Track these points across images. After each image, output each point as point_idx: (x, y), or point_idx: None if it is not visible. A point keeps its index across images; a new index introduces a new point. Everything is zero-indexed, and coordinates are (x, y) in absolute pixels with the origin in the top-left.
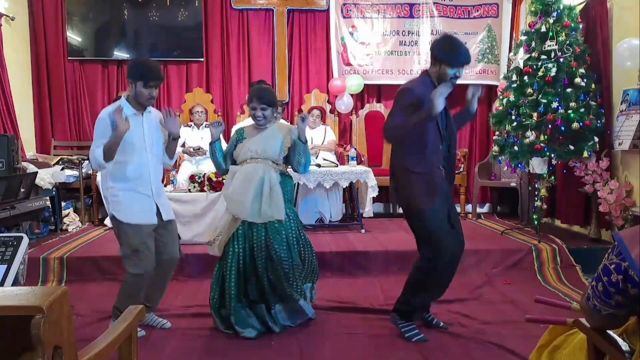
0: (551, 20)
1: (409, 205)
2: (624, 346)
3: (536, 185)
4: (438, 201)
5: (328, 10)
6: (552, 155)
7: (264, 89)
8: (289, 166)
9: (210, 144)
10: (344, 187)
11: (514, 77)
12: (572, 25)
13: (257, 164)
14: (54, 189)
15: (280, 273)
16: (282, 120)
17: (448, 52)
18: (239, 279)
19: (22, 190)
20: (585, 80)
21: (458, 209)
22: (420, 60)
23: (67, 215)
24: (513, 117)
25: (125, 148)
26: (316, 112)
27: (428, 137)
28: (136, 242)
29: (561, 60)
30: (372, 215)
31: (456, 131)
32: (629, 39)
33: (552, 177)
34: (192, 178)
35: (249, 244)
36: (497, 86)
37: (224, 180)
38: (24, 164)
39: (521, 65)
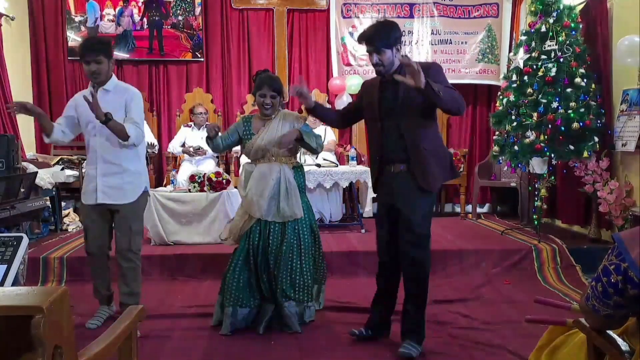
0: (551, 20)
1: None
2: (624, 346)
3: (536, 185)
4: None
5: (328, 10)
6: (552, 155)
7: (273, 77)
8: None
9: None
10: (344, 187)
11: (514, 77)
12: (572, 25)
13: (272, 164)
14: (54, 189)
15: (295, 267)
16: (286, 110)
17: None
18: (243, 274)
19: (22, 190)
20: (585, 80)
21: (458, 209)
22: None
23: (67, 215)
24: (513, 117)
25: (83, 127)
26: None
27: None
28: (83, 220)
29: (561, 60)
30: (372, 215)
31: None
32: (630, 36)
33: (552, 177)
34: (192, 178)
35: (263, 242)
36: (497, 86)
37: (223, 180)
38: (24, 164)
39: (521, 65)
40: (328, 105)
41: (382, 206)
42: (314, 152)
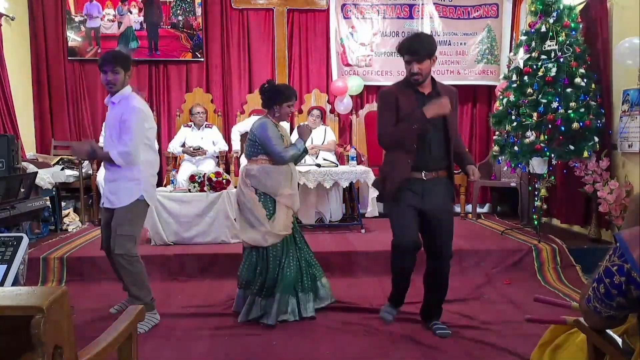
0: (551, 20)
1: None
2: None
3: (536, 185)
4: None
5: (328, 10)
6: (552, 155)
7: (294, 89)
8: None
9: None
10: (344, 187)
11: (514, 77)
12: (572, 25)
13: (291, 164)
14: (54, 189)
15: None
16: None
17: (401, 42)
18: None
19: (22, 190)
20: (585, 80)
21: (458, 209)
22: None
23: (67, 215)
24: (513, 117)
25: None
26: (316, 112)
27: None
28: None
29: (561, 60)
30: (377, 214)
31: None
32: (630, 37)
33: (552, 177)
34: (192, 178)
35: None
36: (497, 86)
37: (223, 181)
38: (24, 164)
39: (521, 65)
40: (329, 106)
41: (411, 207)
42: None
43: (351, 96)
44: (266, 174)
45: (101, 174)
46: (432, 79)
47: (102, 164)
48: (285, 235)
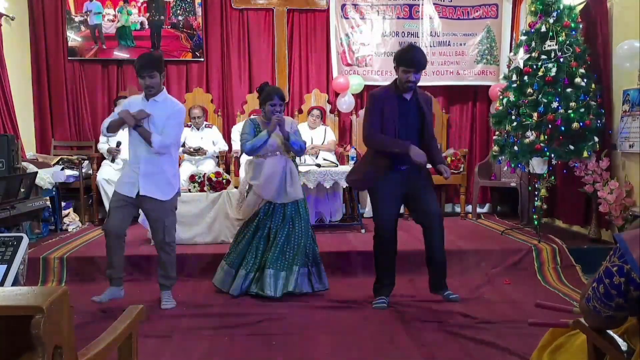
0: (551, 20)
1: None
2: (624, 346)
3: (536, 185)
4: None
5: (328, 10)
6: (552, 155)
7: (279, 88)
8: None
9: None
10: (344, 187)
11: (514, 77)
12: (572, 25)
13: (280, 157)
14: (54, 189)
15: (309, 235)
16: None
17: (401, 53)
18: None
19: (22, 190)
20: (585, 80)
21: (458, 209)
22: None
23: (67, 215)
24: (513, 117)
25: (129, 130)
26: (316, 112)
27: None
28: (111, 204)
29: (561, 60)
30: None
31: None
32: (630, 40)
33: (552, 177)
34: (192, 178)
35: (268, 219)
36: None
37: (223, 181)
38: (24, 164)
39: (521, 65)
40: (328, 106)
41: (392, 195)
42: (297, 154)
43: (353, 95)
44: (247, 164)
45: (101, 174)
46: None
47: (110, 162)
48: (242, 219)
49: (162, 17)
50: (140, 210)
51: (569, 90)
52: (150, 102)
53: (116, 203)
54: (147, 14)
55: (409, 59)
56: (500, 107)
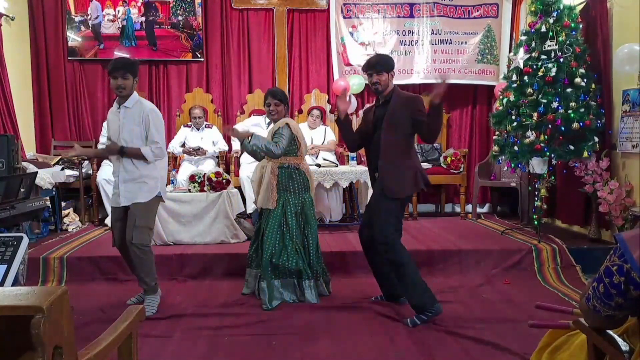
0: (551, 20)
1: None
2: (624, 346)
3: (536, 185)
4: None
5: (328, 10)
6: (552, 155)
7: (276, 89)
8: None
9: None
10: (344, 187)
11: (514, 77)
12: (572, 25)
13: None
14: (54, 189)
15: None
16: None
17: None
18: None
19: (22, 190)
20: (585, 80)
21: (458, 209)
22: (420, 60)
23: (67, 215)
24: (513, 117)
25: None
26: (316, 112)
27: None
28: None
29: (561, 60)
30: None
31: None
32: (630, 43)
33: (552, 177)
34: (192, 178)
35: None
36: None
37: (223, 180)
38: (24, 164)
39: (521, 65)
40: (329, 106)
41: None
42: (270, 156)
43: (354, 95)
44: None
45: (101, 174)
46: (393, 91)
47: (110, 162)
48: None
49: (159, 15)
50: None
51: (569, 90)
52: (122, 109)
53: (113, 218)
54: (147, 14)
55: (365, 63)
56: (501, 107)
